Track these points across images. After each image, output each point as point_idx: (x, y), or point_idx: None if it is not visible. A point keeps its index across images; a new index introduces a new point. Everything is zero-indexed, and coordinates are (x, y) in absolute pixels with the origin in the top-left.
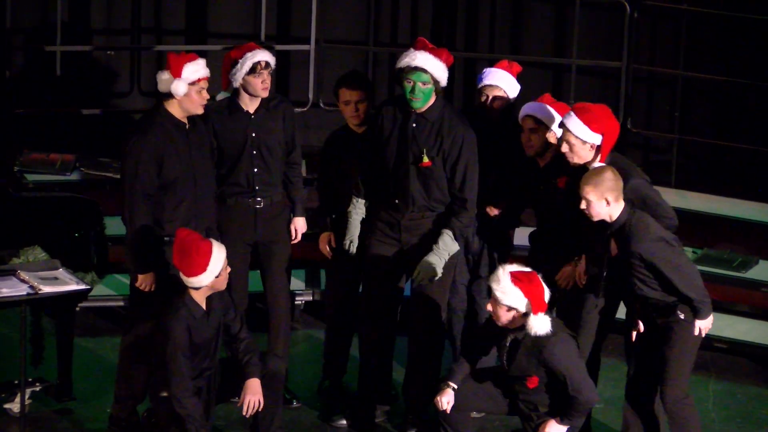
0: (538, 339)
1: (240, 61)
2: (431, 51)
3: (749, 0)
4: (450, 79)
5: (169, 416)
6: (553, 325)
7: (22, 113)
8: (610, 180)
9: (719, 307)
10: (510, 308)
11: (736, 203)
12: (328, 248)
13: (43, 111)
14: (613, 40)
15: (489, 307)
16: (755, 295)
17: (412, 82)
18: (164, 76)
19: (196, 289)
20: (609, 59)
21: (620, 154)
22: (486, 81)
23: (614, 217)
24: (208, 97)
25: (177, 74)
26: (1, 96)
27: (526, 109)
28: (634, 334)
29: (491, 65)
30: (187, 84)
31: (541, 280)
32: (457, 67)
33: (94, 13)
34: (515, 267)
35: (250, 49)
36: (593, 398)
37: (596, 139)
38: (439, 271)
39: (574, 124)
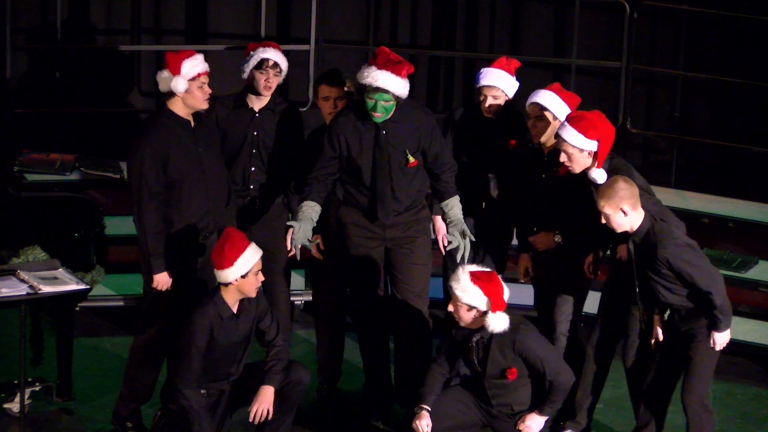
0: (506, 333)
1: (252, 53)
2: (392, 67)
3: (749, 0)
4: (450, 78)
5: (180, 417)
6: (515, 319)
7: (22, 113)
8: (624, 189)
9: None
10: (470, 307)
11: (736, 203)
12: (317, 251)
13: (43, 111)
14: (613, 40)
15: (450, 308)
16: (755, 295)
17: (374, 100)
18: (164, 75)
19: (225, 286)
20: (609, 59)
21: (619, 156)
22: (483, 82)
23: (635, 227)
24: (209, 91)
25: (176, 71)
26: (1, 96)
27: (533, 96)
28: (653, 341)
29: (490, 65)
30: (186, 80)
31: (500, 279)
32: (457, 67)
33: (94, 13)
34: (475, 267)
35: (265, 46)
36: (571, 378)
37: (592, 146)
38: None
39: (570, 134)
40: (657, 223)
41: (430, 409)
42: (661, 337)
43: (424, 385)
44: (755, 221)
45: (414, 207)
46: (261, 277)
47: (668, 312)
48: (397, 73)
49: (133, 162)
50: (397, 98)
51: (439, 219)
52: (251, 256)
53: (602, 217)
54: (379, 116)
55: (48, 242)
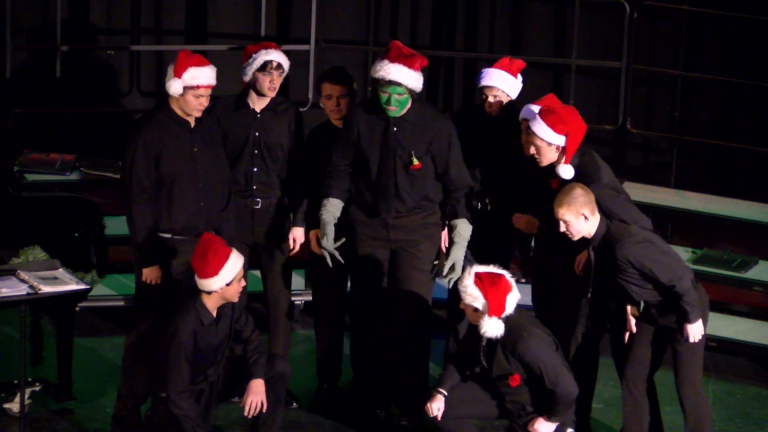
0: (511, 336)
1: (254, 56)
2: (405, 61)
3: (749, 0)
4: (450, 78)
5: (168, 416)
6: (526, 321)
7: (22, 113)
8: (582, 196)
9: (719, 308)
10: (473, 308)
11: (736, 203)
12: (316, 246)
13: (43, 111)
14: (613, 40)
15: (462, 306)
16: (755, 295)
17: (387, 94)
18: (169, 71)
19: (208, 293)
20: (609, 59)
21: (592, 152)
22: (484, 82)
23: (593, 232)
24: (206, 104)
25: (178, 74)
26: (1, 96)
27: (524, 111)
28: (627, 335)
29: (491, 65)
30: (182, 86)
31: (510, 283)
32: (457, 67)
33: (94, 13)
34: (484, 268)
35: (267, 48)
36: (572, 390)
37: (560, 140)
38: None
39: (539, 127)
40: (613, 224)
41: (446, 393)
42: (634, 330)
43: (443, 371)
44: (755, 221)
45: (421, 211)
46: (243, 283)
47: (643, 305)
48: (410, 66)
49: (125, 156)
50: (410, 91)
51: (446, 231)
52: (235, 264)
53: (561, 224)
54: (393, 110)
55: (48, 242)
